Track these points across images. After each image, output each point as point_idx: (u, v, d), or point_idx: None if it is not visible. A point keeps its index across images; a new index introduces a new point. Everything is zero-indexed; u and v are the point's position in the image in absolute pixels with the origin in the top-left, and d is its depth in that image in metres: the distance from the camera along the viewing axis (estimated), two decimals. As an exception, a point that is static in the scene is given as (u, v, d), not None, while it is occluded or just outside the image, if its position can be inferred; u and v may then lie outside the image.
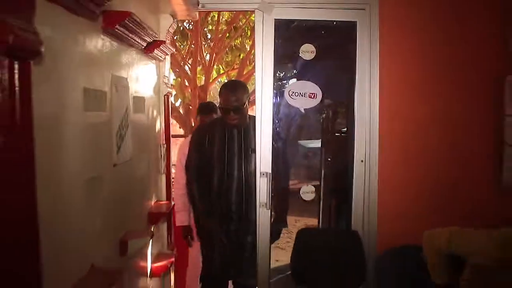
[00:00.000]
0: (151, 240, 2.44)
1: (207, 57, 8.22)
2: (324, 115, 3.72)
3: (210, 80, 8.27)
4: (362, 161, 3.13)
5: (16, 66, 1.03)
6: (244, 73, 8.10)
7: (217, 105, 2.88)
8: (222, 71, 8.76)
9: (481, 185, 2.94)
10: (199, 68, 8.06)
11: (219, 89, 2.81)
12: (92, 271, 1.60)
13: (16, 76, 1.03)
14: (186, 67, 8.04)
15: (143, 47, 2.26)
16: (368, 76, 3.08)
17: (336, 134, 3.82)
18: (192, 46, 7.74)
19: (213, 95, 9.86)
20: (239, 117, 3.00)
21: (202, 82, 8.06)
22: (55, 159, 1.33)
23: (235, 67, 8.47)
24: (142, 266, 2.41)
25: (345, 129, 3.57)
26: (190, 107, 7.88)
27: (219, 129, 3.08)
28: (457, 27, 3.13)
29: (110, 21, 1.66)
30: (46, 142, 1.22)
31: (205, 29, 8.26)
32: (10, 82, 1.01)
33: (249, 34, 8.21)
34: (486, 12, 3.14)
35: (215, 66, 8.43)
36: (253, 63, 7.30)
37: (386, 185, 3.15)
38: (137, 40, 2.10)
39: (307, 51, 3.10)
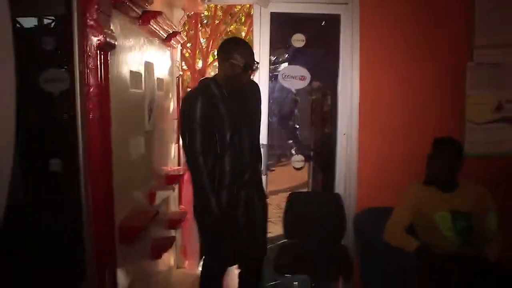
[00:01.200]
0: (171, 196, 2.93)
1: (204, 43, 8.52)
2: (314, 96, 4.15)
3: (208, 64, 8.58)
4: (344, 134, 3.50)
5: (102, 56, 1.52)
6: None
7: (234, 63, 2.56)
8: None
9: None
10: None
11: (228, 48, 2.63)
12: (133, 211, 2.10)
13: (102, 63, 1.52)
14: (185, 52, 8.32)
15: (164, 38, 2.75)
16: (350, 61, 3.45)
17: (324, 111, 4.12)
18: (191, 32, 8.04)
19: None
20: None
21: (200, 66, 8.36)
22: (115, 122, 1.81)
23: None
24: (164, 216, 2.91)
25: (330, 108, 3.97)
26: (189, 89, 8.23)
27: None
28: (429, 21, 3.47)
29: (146, 19, 2.15)
30: (114, 110, 1.70)
31: (202, 16, 8.55)
32: (99, 68, 1.50)
33: (243, 20, 8.46)
34: (455, 8, 3.50)
35: (211, 51, 8.65)
36: None
37: (365, 154, 3.49)
38: (161, 32, 2.60)
39: (298, 40, 3.45)
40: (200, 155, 2.47)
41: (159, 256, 2.48)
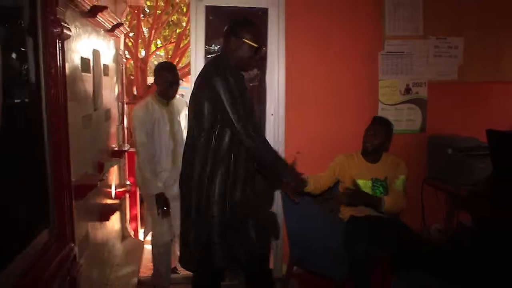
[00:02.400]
0: (115, 169, 3.30)
1: (146, 32, 8.69)
2: (253, 83, 4.44)
3: (150, 53, 8.76)
4: (272, 114, 3.86)
5: (60, 44, 1.88)
6: (181, 46, 8.54)
7: (247, 43, 2.48)
8: (160, 45, 9.23)
9: (361, 133, 3.38)
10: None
11: (241, 27, 2.52)
12: (85, 174, 2.46)
13: (60, 49, 1.88)
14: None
15: (109, 29, 3.10)
16: (277, 49, 3.82)
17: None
18: (134, 21, 8.18)
19: (151, 67, 10.37)
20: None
21: (142, 55, 8.55)
22: (70, 99, 2.16)
23: (172, 41, 8.95)
24: (109, 187, 3.27)
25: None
26: (132, 77, 8.39)
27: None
28: (347, 15, 3.90)
29: (94, 13, 2.50)
30: (69, 89, 2.06)
31: (144, 5, 8.73)
32: (58, 54, 1.86)
33: (185, 10, 8.63)
34: (368, 4, 3.95)
35: (153, 40, 8.86)
36: (188, 38, 7.88)
37: (291, 132, 3.86)
38: (106, 24, 2.95)
39: (230, 31, 3.94)
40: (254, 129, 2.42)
41: (107, 218, 2.85)
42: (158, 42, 9.16)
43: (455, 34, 4.11)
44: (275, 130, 3.88)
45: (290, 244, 3.39)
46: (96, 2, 2.44)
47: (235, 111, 2.37)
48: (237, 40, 2.50)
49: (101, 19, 2.70)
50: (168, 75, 3.41)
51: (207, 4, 3.78)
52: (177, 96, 3.65)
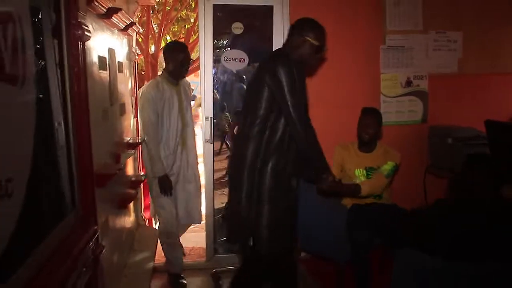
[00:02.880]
0: (130, 160, 3.50)
1: (156, 28, 8.85)
2: None
3: (160, 49, 8.91)
4: None
5: (81, 45, 2.06)
6: (190, 42, 8.68)
7: (310, 42, 2.61)
8: (169, 41, 9.26)
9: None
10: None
11: (305, 26, 2.67)
12: (105, 164, 2.64)
13: (81, 50, 2.07)
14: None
15: (122, 28, 3.28)
16: (281, 44, 3.91)
17: None
18: (144, 18, 8.36)
19: (161, 63, 10.57)
20: None
21: (152, 51, 8.71)
22: (90, 95, 2.35)
23: (181, 36, 9.10)
24: (125, 177, 3.47)
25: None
26: (143, 73, 8.58)
27: None
28: (349, 11, 4.08)
29: (110, 14, 2.69)
30: (89, 86, 2.24)
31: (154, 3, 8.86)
32: (80, 54, 2.05)
33: (193, 6, 8.84)
34: (370, 0, 4.15)
35: (163, 36, 8.99)
36: (197, 33, 8.02)
37: None
38: (120, 24, 3.13)
39: (237, 27, 4.05)
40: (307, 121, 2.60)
41: (124, 206, 3.05)
42: (168, 38, 9.31)
43: (454, 28, 4.28)
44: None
45: (298, 231, 3.57)
46: (111, 4, 2.61)
47: (293, 100, 2.46)
48: (300, 37, 2.63)
49: (115, 20, 2.89)
50: (180, 54, 3.46)
51: (215, 3, 3.97)
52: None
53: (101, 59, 2.62)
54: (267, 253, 2.69)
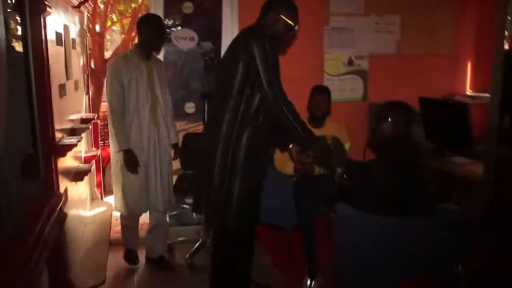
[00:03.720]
0: (84, 136, 3.57)
1: (102, 7, 8.71)
2: (206, 58, 4.75)
3: (106, 27, 8.81)
4: None
5: (43, 19, 2.14)
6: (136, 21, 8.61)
7: (284, 19, 2.64)
8: (115, 20, 9.25)
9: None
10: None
11: (280, 3, 2.68)
12: (63, 137, 2.73)
13: (43, 24, 2.15)
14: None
15: (75, 5, 3.34)
16: (231, 23, 4.14)
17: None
18: None
19: (110, 41, 10.38)
20: None
21: (98, 29, 8.61)
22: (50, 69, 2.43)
23: (127, 15, 9.03)
24: (79, 152, 3.55)
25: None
26: (89, 51, 8.46)
27: None
28: None
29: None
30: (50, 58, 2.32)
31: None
32: (42, 27, 2.13)
33: None
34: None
35: (109, 15, 8.83)
36: (143, 12, 8.01)
37: None
38: (74, 1, 3.19)
39: (187, 7, 4.13)
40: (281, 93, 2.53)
41: (81, 178, 3.14)
42: (113, 17, 9.19)
43: (392, 11, 4.55)
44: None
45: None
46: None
47: (267, 73, 2.49)
48: (275, 15, 2.63)
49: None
50: (151, 27, 3.32)
51: (166, -17, 4.01)
52: (157, 57, 3.65)
53: (58, 35, 2.70)
54: (235, 228, 2.72)
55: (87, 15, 7.72)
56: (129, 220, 3.61)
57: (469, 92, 4.99)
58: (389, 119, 2.68)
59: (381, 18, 4.54)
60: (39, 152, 2.08)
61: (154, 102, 3.39)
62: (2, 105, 1.55)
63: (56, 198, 2.13)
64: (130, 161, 3.30)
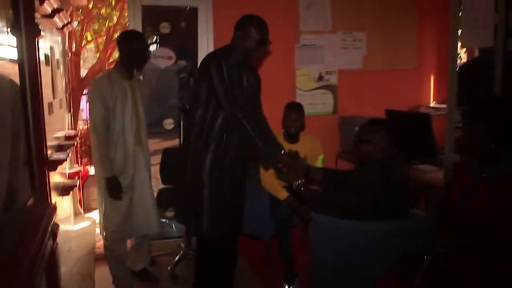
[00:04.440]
0: (69, 152, 3.69)
1: (77, 26, 8.72)
2: (182, 75, 4.88)
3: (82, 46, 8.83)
4: None
5: (37, 42, 2.30)
6: (113, 39, 8.57)
7: (250, 36, 2.73)
8: (90, 38, 9.24)
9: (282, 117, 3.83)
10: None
11: (246, 21, 2.79)
12: (52, 153, 2.87)
13: (37, 48, 2.30)
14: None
15: (60, 27, 3.50)
16: (206, 42, 4.32)
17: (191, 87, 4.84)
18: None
19: (83, 61, 10.39)
20: None
21: (74, 48, 8.62)
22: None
23: (102, 34, 9.03)
24: (64, 168, 3.68)
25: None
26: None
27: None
28: (267, 12, 4.26)
29: (52, 15, 2.92)
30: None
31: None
32: (37, 51, 2.28)
33: (113, 4, 8.82)
34: (285, 3, 4.55)
35: (84, 34, 8.82)
36: (118, 31, 8.10)
37: None
38: (59, 23, 3.35)
39: (165, 27, 4.30)
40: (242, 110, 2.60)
41: (67, 193, 3.27)
42: (88, 35, 9.21)
43: (359, 29, 4.82)
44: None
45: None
46: (57, 6, 2.85)
47: (224, 91, 2.61)
48: (243, 33, 2.74)
49: (57, 19, 3.11)
50: (134, 44, 3.19)
51: (144, 4, 4.21)
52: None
53: (46, 56, 2.85)
54: (207, 236, 2.83)
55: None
56: (117, 249, 3.37)
57: (432, 104, 5.26)
58: (371, 141, 2.79)
59: (348, 35, 4.80)
60: (34, 165, 2.23)
61: (139, 125, 3.30)
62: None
63: (50, 209, 2.27)
64: (113, 189, 3.18)
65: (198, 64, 4.16)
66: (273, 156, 2.68)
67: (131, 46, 3.19)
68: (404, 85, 5.10)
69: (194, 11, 4.37)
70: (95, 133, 3.12)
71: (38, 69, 2.29)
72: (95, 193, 4.97)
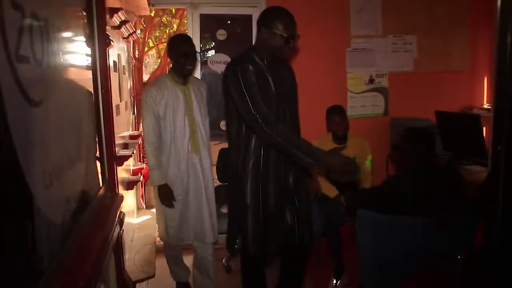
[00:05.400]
0: (135, 150, 4.02)
1: (139, 34, 9.15)
2: None
3: (144, 52, 9.24)
4: None
5: (108, 51, 2.60)
6: None
7: (276, 33, 2.47)
8: (151, 45, 9.70)
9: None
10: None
11: (270, 16, 2.53)
12: (119, 150, 3.17)
13: (108, 56, 2.60)
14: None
15: (125, 36, 3.83)
16: None
17: None
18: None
19: (145, 66, 10.85)
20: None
21: (137, 55, 9.07)
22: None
23: (163, 41, 9.45)
24: (128, 165, 4.00)
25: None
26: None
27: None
28: (318, 17, 4.62)
29: (120, 26, 3.23)
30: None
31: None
32: (108, 59, 2.58)
33: (173, 12, 9.26)
34: (336, 8, 4.69)
35: (147, 41, 9.22)
36: None
37: None
38: (125, 33, 3.68)
39: (221, 34, 4.59)
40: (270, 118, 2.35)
41: (131, 187, 3.58)
42: (150, 42, 9.63)
43: (409, 32, 4.92)
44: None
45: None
46: (124, 18, 3.15)
47: (242, 102, 2.38)
48: (267, 30, 2.48)
49: (123, 30, 3.43)
50: (181, 47, 3.09)
51: (201, 12, 4.51)
52: (196, 78, 3.47)
53: (114, 63, 3.16)
54: (251, 255, 2.66)
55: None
56: (172, 250, 3.50)
57: (486, 105, 5.26)
58: (403, 150, 2.94)
59: (399, 38, 4.90)
60: (105, 160, 2.52)
61: (193, 129, 3.19)
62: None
63: (118, 199, 2.56)
64: (165, 196, 3.19)
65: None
66: (317, 163, 2.30)
67: (175, 50, 3.12)
68: (456, 87, 5.14)
69: (248, 18, 4.61)
70: (146, 142, 3.15)
71: (109, 75, 2.58)
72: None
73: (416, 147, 2.90)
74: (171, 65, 3.30)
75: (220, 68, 4.63)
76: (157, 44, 9.65)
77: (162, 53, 9.33)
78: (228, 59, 4.60)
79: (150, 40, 9.58)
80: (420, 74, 5.00)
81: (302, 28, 4.34)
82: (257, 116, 2.35)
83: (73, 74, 1.88)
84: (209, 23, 4.63)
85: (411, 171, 2.92)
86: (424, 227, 2.76)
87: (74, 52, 1.95)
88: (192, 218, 3.26)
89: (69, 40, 1.86)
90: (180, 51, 3.07)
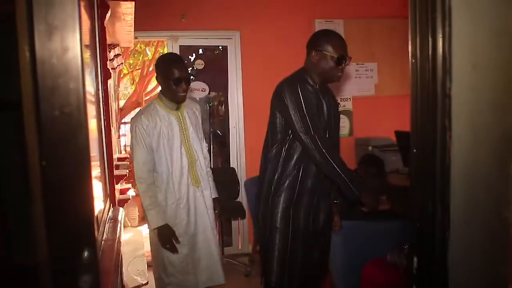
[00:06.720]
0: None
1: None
2: (211, 104, 5.45)
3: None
4: (234, 127, 4.91)
5: (107, 83, 2.95)
6: (144, 73, 9.21)
7: (327, 54, 2.39)
8: (126, 71, 9.64)
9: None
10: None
11: (319, 38, 2.46)
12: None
13: (108, 86, 2.95)
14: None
15: (114, 67, 4.18)
16: (235, 77, 4.92)
17: (220, 114, 5.48)
18: None
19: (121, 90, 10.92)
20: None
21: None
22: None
23: (137, 68, 9.55)
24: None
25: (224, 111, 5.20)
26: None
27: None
28: (284, 49, 4.93)
29: (113, 58, 3.59)
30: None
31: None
32: (108, 89, 2.94)
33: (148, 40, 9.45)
34: (306, 36, 5.08)
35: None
36: (152, 65, 8.66)
37: (250, 140, 4.85)
38: (115, 64, 4.04)
39: (199, 64, 4.97)
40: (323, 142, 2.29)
41: (122, 205, 3.86)
42: (124, 69, 9.76)
43: (370, 60, 5.36)
44: (237, 138, 4.99)
45: (254, 225, 3.81)
46: (118, 52, 3.51)
47: (301, 121, 2.30)
48: (317, 52, 2.43)
49: (114, 62, 3.79)
50: (174, 72, 2.72)
51: (181, 44, 4.87)
52: (188, 99, 3.00)
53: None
54: (274, 280, 2.51)
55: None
56: None
57: (440, 125, 5.71)
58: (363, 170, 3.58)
59: (361, 66, 5.35)
60: (107, 176, 2.86)
61: (192, 160, 2.86)
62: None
63: (120, 211, 2.89)
64: (166, 239, 2.77)
65: (227, 95, 4.95)
66: (359, 191, 2.32)
67: (165, 72, 2.77)
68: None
69: (224, 50, 4.99)
70: (138, 180, 2.80)
71: (109, 104, 2.93)
72: (133, 212, 5.69)
73: (369, 169, 3.55)
74: (160, 89, 2.92)
75: (198, 95, 4.98)
76: (131, 71, 9.78)
77: (137, 79, 9.49)
78: (206, 87, 4.98)
79: (124, 66, 9.66)
80: (381, 98, 5.39)
81: (275, 57, 4.90)
82: (316, 138, 2.31)
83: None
84: (188, 54, 5.04)
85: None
86: (382, 226, 3.16)
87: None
88: (203, 260, 2.89)
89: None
90: (172, 78, 2.71)
